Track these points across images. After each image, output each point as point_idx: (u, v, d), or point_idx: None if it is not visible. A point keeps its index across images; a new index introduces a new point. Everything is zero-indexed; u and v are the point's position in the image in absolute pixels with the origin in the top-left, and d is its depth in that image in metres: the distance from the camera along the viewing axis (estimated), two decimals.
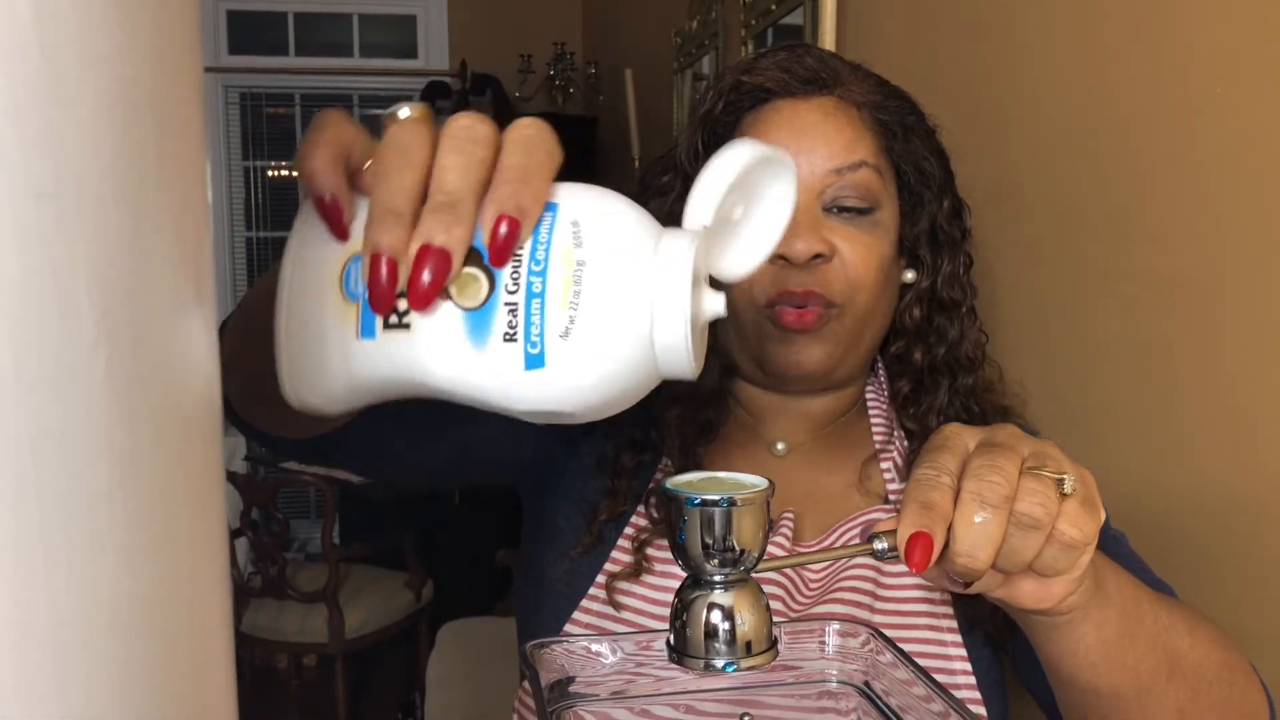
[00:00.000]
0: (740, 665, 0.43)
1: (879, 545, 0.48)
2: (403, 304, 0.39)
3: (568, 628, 0.80)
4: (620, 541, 0.82)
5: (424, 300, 0.38)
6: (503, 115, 3.52)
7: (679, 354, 0.39)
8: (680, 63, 2.45)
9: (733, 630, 0.44)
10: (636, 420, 0.85)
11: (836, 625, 0.52)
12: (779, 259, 0.77)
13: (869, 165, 0.79)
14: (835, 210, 0.79)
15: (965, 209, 0.87)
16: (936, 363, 0.83)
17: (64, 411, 0.20)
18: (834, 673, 0.52)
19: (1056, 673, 0.58)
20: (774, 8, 1.77)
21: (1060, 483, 0.48)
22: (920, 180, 0.83)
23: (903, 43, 1.35)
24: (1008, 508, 0.47)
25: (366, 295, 0.39)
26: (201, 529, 0.24)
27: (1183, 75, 0.85)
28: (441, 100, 3.81)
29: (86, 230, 0.21)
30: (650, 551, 0.80)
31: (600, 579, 0.80)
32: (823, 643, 0.52)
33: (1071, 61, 1.00)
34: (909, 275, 0.84)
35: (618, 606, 0.79)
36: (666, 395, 0.82)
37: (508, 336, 0.38)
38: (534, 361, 0.38)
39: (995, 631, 0.76)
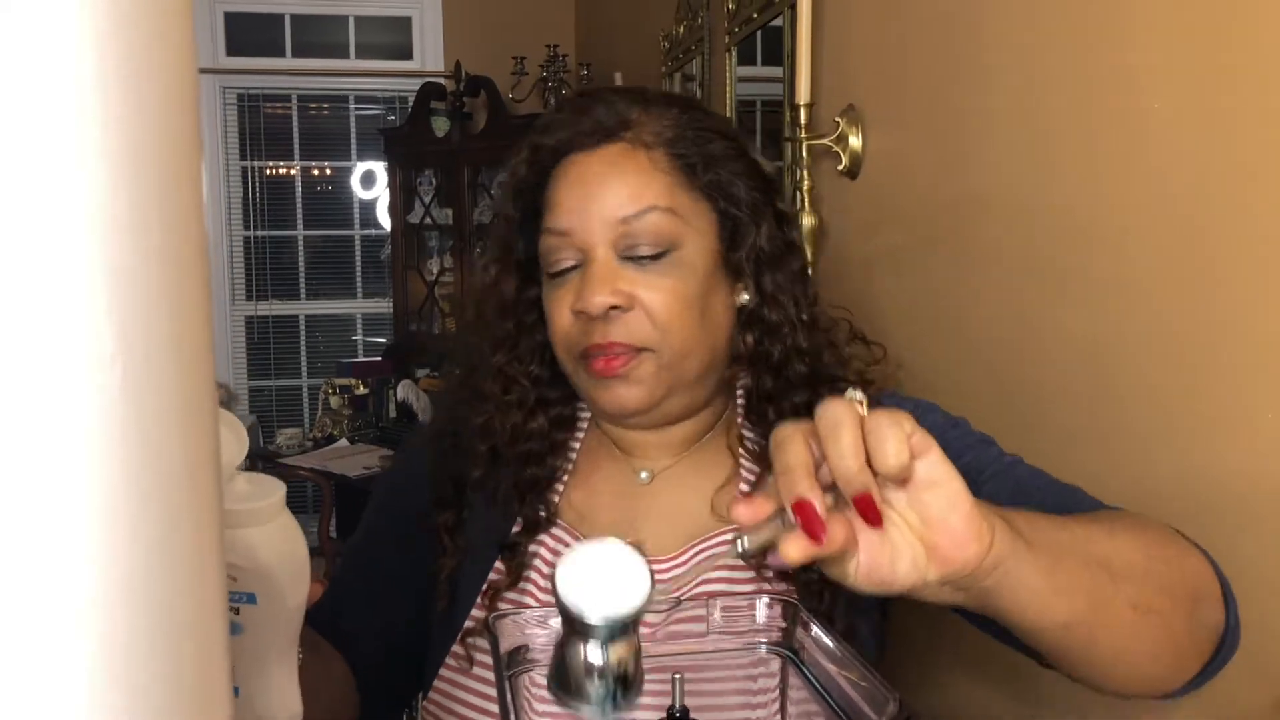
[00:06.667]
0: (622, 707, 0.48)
1: (741, 545, 0.51)
2: None
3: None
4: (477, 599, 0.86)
5: None
6: (496, 116, 3.53)
7: None
8: (669, 66, 2.49)
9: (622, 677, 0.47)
10: (447, 479, 0.89)
11: (766, 600, 0.57)
12: (580, 313, 0.79)
13: (658, 209, 0.80)
14: (633, 259, 0.80)
15: (788, 222, 0.87)
16: (767, 389, 0.84)
17: (89, 415, 0.25)
18: (763, 641, 0.57)
19: (1023, 626, 0.61)
20: (755, 15, 1.82)
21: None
22: (733, 205, 0.83)
23: (873, 51, 1.40)
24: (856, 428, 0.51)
25: None
26: (200, 511, 0.28)
27: (1129, 91, 0.89)
28: (436, 101, 3.85)
29: (105, 259, 0.26)
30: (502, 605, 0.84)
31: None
32: (753, 616, 0.57)
33: (1031, 75, 1.04)
34: (744, 297, 0.85)
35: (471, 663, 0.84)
36: (474, 459, 0.87)
37: None
38: None
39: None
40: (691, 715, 0.51)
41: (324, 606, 0.92)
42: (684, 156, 0.82)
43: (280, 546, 0.53)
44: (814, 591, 0.75)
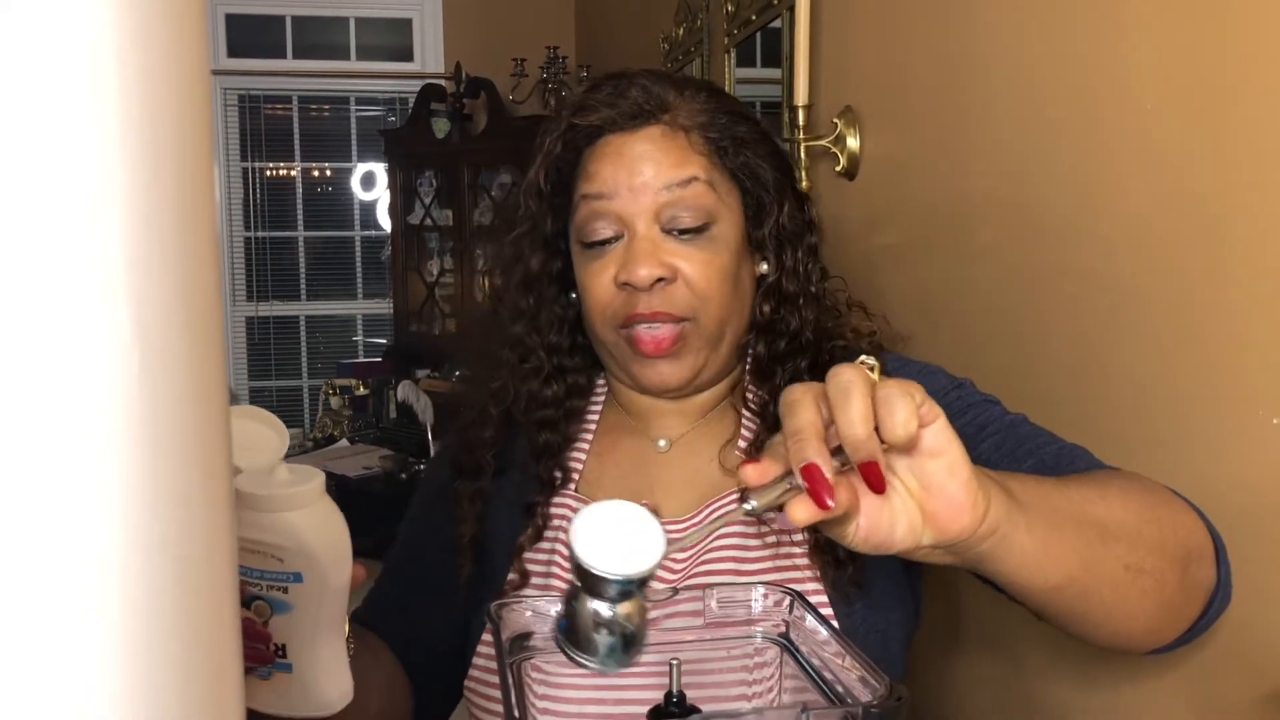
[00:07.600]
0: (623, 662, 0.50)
1: (748, 505, 0.53)
2: None
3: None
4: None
5: None
6: (496, 117, 3.53)
7: None
8: (669, 67, 2.50)
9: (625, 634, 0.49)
10: (468, 451, 0.91)
11: (762, 589, 0.59)
12: (626, 285, 0.82)
13: (700, 180, 0.83)
14: (675, 233, 0.83)
15: (806, 201, 0.92)
16: (778, 353, 0.88)
17: (109, 397, 0.26)
18: (759, 630, 0.59)
19: (1017, 588, 0.63)
20: (754, 17, 1.83)
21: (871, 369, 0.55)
22: (758, 186, 0.88)
23: (871, 53, 1.41)
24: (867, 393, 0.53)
25: None
26: (212, 486, 0.30)
27: (1125, 90, 0.90)
28: (436, 103, 3.86)
29: (124, 255, 0.27)
30: (529, 566, 0.87)
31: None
32: (749, 604, 0.59)
33: (1027, 76, 1.05)
34: (763, 268, 0.89)
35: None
36: (485, 421, 0.90)
37: None
38: None
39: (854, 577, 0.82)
40: (689, 701, 0.52)
41: (366, 615, 0.94)
42: (716, 140, 0.86)
43: (322, 527, 0.56)
44: (833, 558, 0.78)
